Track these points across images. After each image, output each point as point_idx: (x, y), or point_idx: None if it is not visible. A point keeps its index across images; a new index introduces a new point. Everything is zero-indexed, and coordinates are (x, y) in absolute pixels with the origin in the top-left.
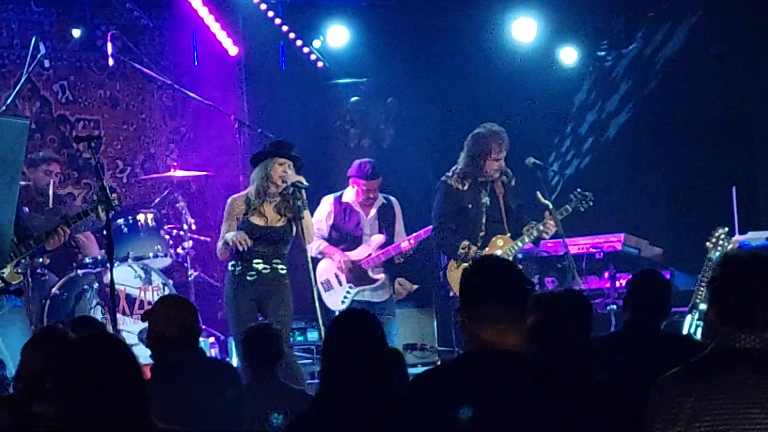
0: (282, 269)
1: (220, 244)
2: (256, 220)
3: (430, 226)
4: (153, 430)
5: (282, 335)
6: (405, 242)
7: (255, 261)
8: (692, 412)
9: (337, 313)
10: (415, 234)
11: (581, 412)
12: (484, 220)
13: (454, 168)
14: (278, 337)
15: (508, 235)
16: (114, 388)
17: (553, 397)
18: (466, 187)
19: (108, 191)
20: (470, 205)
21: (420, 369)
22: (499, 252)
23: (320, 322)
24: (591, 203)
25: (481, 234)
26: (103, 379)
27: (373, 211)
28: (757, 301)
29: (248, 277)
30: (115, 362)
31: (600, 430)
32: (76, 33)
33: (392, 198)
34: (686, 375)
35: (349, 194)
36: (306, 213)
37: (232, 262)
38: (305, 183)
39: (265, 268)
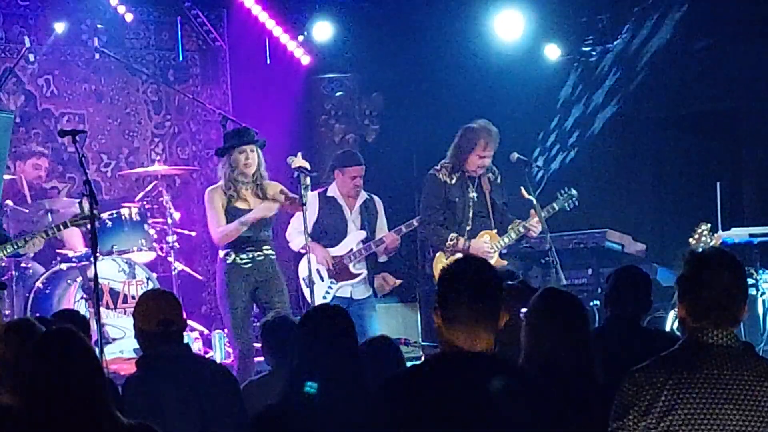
0: (272, 255)
1: (221, 235)
2: (241, 205)
3: (411, 221)
4: (117, 425)
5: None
6: (389, 235)
7: (248, 247)
8: (666, 405)
9: None
10: (396, 228)
11: (552, 414)
12: (470, 215)
13: (442, 161)
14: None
15: (495, 231)
16: (69, 383)
17: (522, 399)
18: (454, 181)
19: (92, 187)
20: (457, 199)
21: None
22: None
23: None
24: (576, 203)
25: (468, 228)
26: (58, 374)
27: (356, 206)
28: (727, 297)
29: (243, 265)
30: (71, 358)
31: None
32: (61, 27)
33: (375, 196)
34: (660, 367)
35: (333, 188)
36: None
37: (225, 251)
38: (309, 168)
39: (259, 255)
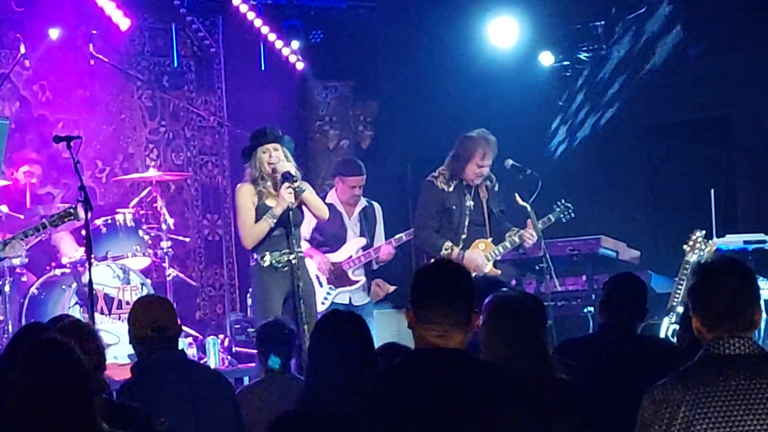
0: (303, 256)
1: (252, 234)
2: (271, 202)
3: (411, 229)
4: None
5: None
6: (386, 245)
7: (282, 250)
8: (685, 422)
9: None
10: (396, 237)
11: (525, 409)
12: (466, 223)
13: (440, 168)
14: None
15: (490, 239)
16: (52, 394)
17: (495, 393)
18: (451, 189)
19: (87, 193)
20: (454, 207)
21: None
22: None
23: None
24: (573, 215)
25: (463, 236)
26: (42, 382)
27: (356, 213)
28: (738, 303)
29: (281, 269)
30: (57, 367)
31: (557, 428)
32: (56, 33)
33: (375, 203)
34: (677, 384)
35: (332, 195)
36: (307, 192)
37: (261, 255)
38: (293, 172)
39: (294, 258)
